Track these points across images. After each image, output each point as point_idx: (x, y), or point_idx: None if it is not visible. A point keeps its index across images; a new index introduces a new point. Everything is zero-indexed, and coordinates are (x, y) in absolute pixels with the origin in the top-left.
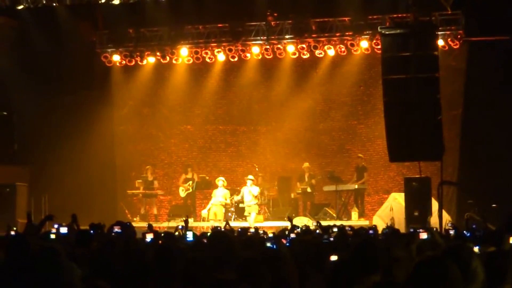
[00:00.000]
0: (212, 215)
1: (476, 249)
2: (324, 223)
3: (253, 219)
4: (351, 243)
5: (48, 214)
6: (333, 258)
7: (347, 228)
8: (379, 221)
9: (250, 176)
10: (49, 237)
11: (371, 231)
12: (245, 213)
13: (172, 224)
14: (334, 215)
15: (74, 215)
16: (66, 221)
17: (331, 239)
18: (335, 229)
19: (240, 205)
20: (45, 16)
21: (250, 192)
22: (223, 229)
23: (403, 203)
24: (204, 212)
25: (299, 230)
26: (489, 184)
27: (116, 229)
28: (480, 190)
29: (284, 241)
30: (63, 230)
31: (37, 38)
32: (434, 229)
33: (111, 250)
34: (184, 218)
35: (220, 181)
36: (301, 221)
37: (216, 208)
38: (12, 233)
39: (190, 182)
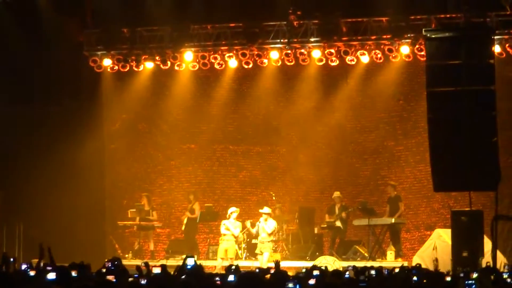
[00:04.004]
0: (222, 253)
1: None
2: (353, 264)
3: (266, 260)
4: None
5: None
6: None
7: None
8: (420, 263)
9: (265, 209)
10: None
11: (414, 272)
12: (257, 251)
13: (171, 262)
14: (366, 254)
15: (47, 248)
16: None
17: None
18: (373, 272)
19: (253, 240)
20: (23, 9)
21: (263, 228)
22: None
23: (450, 241)
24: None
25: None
26: None
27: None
28: None
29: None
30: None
31: (11, 37)
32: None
33: None
34: (183, 256)
35: (234, 213)
36: (325, 261)
37: (227, 244)
38: None
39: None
